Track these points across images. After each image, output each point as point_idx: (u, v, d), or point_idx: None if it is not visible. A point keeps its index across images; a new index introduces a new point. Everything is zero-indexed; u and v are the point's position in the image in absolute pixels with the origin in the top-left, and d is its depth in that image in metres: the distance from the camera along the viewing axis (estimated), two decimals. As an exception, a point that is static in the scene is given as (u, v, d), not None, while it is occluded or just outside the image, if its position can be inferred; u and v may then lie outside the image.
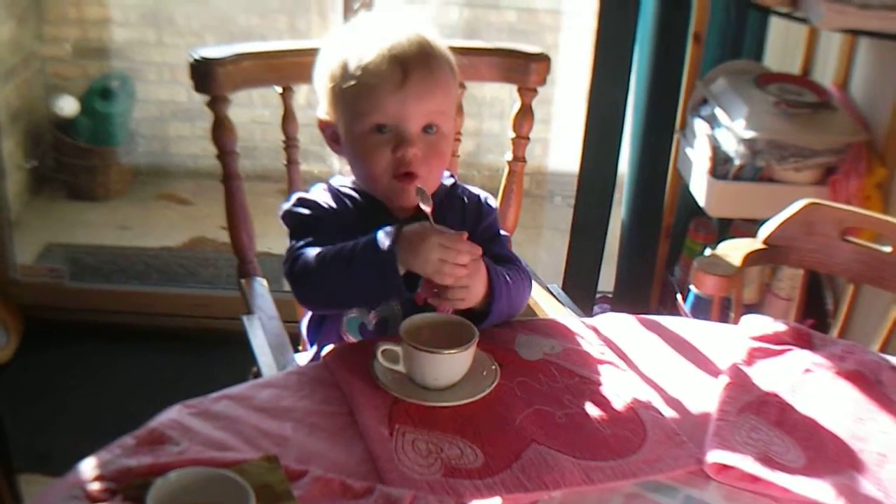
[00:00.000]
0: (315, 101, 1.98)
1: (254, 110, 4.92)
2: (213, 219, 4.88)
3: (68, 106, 4.99)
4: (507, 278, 1.86)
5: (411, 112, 1.86)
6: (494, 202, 2.08)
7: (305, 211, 1.95)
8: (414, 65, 1.85)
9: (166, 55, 5.27)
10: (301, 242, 1.87)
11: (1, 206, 3.91)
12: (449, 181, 2.04)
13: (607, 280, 3.95)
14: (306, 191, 2.02)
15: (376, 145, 1.88)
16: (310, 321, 2.10)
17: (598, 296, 3.91)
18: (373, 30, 1.90)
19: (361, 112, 1.87)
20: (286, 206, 1.98)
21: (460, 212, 2.01)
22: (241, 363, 2.20)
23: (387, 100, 1.85)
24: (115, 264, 4.45)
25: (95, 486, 1.38)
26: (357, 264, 1.76)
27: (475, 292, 1.78)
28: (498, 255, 1.96)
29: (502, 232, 2.06)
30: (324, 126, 1.99)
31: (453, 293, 1.75)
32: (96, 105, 4.99)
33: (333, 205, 1.97)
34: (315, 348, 2.05)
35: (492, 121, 5.20)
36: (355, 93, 1.87)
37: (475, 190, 2.07)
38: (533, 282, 1.99)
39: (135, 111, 5.26)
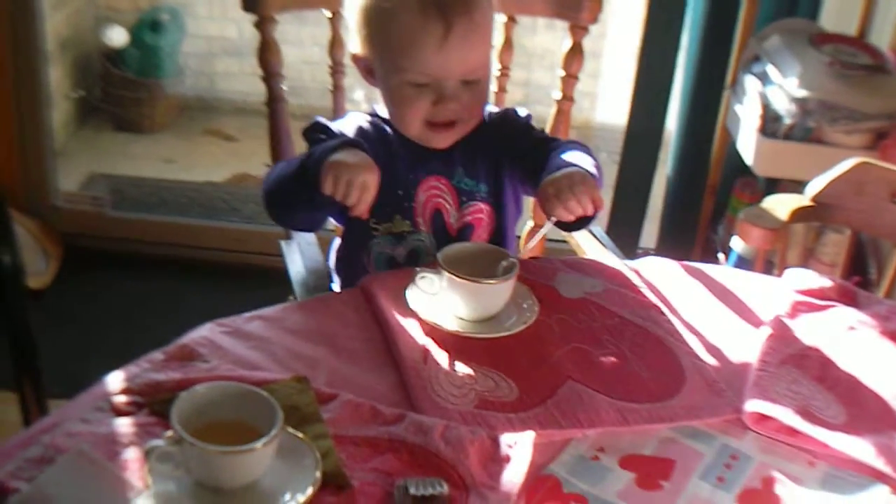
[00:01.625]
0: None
1: (303, 49, 4.89)
2: (258, 156, 4.86)
3: (118, 37, 4.98)
4: (585, 162, 1.80)
5: (451, 70, 1.83)
6: (521, 109, 2.04)
7: (319, 136, 1.92)
8: (455, 17, 1.79)
9: (217, -10, 5.26)
10: None
11: (46, 135, 3.90)
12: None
13: (649, 237, 3.92)
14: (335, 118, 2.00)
15: (414, 97, 1.85)
16: (337, 257, 2.08)
17: (639, 251, 3.88)
18: None
19: (399, 67, 1.84)
20: (308, 123, 1.96)
21: (489, 128, 1.97)
22: (280, 299, 2.18)
23: (427, 59, 1.81)
24: (158, 196, 4.45)
25: (122, 399, 1.38)
26: (295, 166, 1.77)
27: (597, 197, 1.71)
28: (542, 140, 1.93)
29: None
30: (359, 60, 1.95)
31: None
32: (146, 37, 4.99)
33: (352, 131, 1.95)
34: (339, 284, 2.04)
35: (541, 72, 5.16)
36: (392, 44, 1.83)
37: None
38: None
39: (184, 45, 5.25)
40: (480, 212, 1.95)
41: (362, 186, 1.67)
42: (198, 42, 5.35)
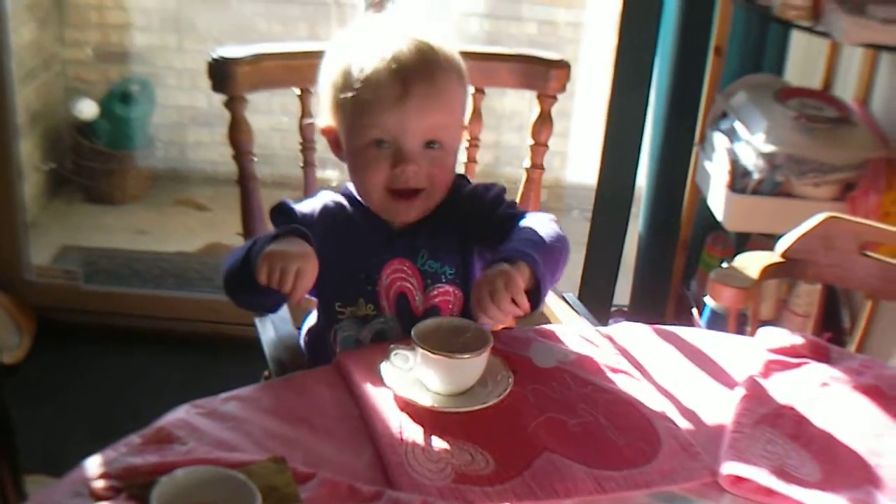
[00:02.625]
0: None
1: (272, 117, 4.91)
2: (230, 225, 4.83)
3: (88, 109, 4.99)
4: (535, 242, 1.80)
5: (411, 128, 1.84)
6: (491, 185, 2.03)
7: (279, 218, 1.94)
8: (415, 78, 1.82)
9: (186, 61, 5.27)
10: None
11: (17, 208, 3.90)
12: (458, 183, 2.00)
13: (623, 293, 3.93)
14: (300, 200, 2.02)
15: (374, 159, 1.86)
16: (306, 338, 2.09)
17: (613, 309, 3.89)
18: (375, 37, 1.88)
19: (360, 126, 1.86)
20: (272, 207, 1.97)
21: (456, 206, 1.97)
22: (254, 369, 2.19)
23: (386, 115, 1.83)
24: (131, 268, 4.44)
25: (100, 484, 1.38)
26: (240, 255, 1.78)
27: (527, 305, 1.70)
28: (508, 217, 1.92)
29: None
30: (326, 132, 1.97)
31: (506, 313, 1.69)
32: (116, 109, 5.00)
33: (317, 212, 1.97)
34: (308, 362, 2.04)
35: (511, 133, 5.18)
36: (354, 105, 1.85)
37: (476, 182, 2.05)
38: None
39: (154, 116, 5.26)
40: (447, 294, 1.95)
41: (297, 274, 1.68)
42: (168, 112, 5.35)
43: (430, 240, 1.93)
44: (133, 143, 5.11)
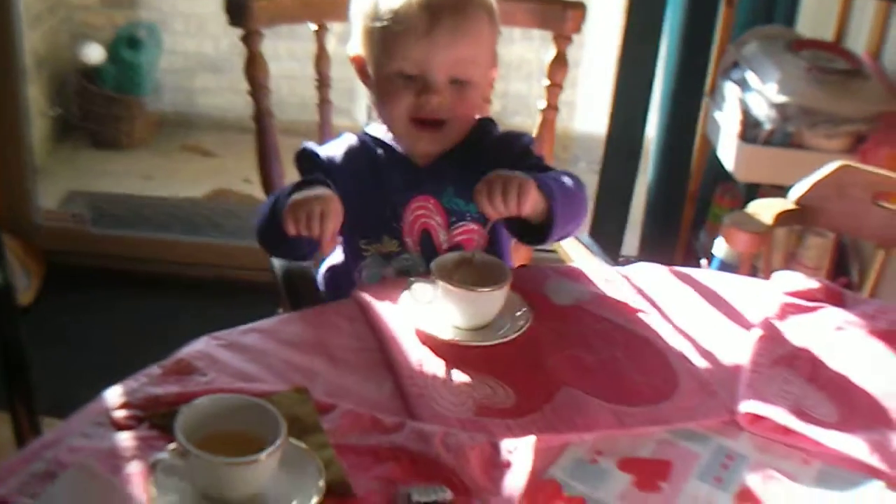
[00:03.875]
0: (349, 41, 1.97)
1: (280, 64, 4.87)
2: (237, 171, 4.86)
3: (94, 54, 4.98)
4: (561, 184, 1.82)
5: (437, 61, 1.84)
6: (524, 133, 2.05)
7: (302, 164, 1.97)
8: (444, 10, 1.83)
9: (194, 5, 5.24)
10: None
11: (25, 152, 3.90)
12: (484, 125, 2.02)
13: (631, 245, 3.93)
14: (324, 142, 2.03)
15: (399, 88, 1.88)
16: (326, 275, 2.09)
17: (621, 259, 3.89)
18: None
19: (387, 56, 1.86)
20: (296, 151, 1.99)
21: (485, 150, 1.97)
22: (262, 313, 2.18)
23: (412, 47, 1.83)
24: (138, 213, 4.44)
25: (121, 414, 1.39)
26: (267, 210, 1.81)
27: (527, 210, 1.71)
28: (535, 167, 1.91)
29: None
30: (355, 59, 1.98)
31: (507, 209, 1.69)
32: (123, 54, 4.97)
33: (341, 153, 1.98)
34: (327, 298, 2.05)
35: (518, 82, 5.17)
36: (382, 36, 1.86)
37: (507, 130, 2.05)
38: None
39: (161, 61, 5.23)
40: (471, 231, 1.95)
41: (322, 215, 1.70)
42: (175, 58, 5.34)
43: (456, 178, 1.93)
44: (140, 89, 5.08)
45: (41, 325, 3.48)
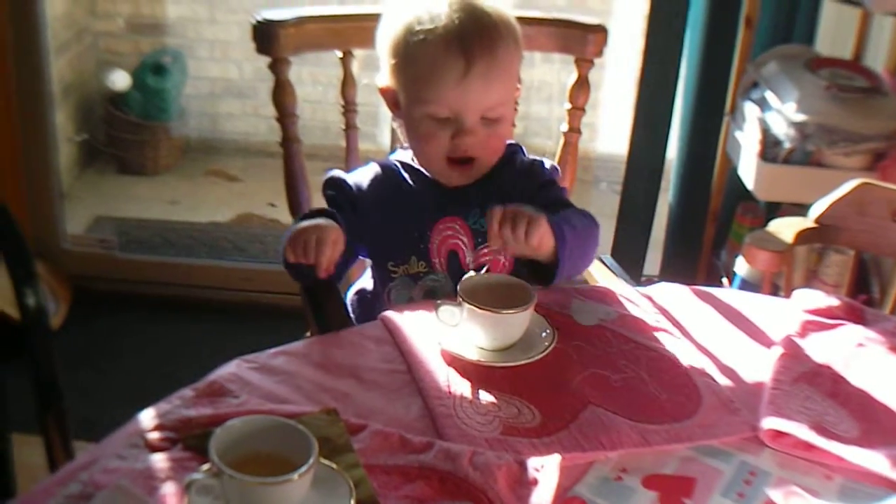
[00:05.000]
0: (374, 67, 2.00)
1: (304, 88, 4.92)
2: (261, 195, 4.91)
3: (120, 80, 5.03)
4: (572, 226, 1.86)
5: (471, 105, 1.87)
6: (550, 162, 2.08)
7: (330, 192, 2.02)
8: (476, 53, 1.84)
9: (218, 32, 5.30)
10: None
11: (52, 178, 3.94)
12: (511, 150, 2.04)
13: (653, 264, 3.95)
14: (350, 170, 2.07)
15: (434, 129, 1.90)
16: (354, 298, 2.13)
17: (643, 279, 3.91)
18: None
19: (420, 99, 1.89)
20: (323, 178, 2.04)
21: (512, 175, 2.01)
22: (286, 337, 2.20)
23: (446, 94, 1.86)
24: (164, 238, 4.49)
25: (155, 436, 1.41)
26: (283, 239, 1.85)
27: (535, 243, 1.75)
28: (555, 202, 1.96)
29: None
30: (385, 91, 2.00)
31: (515, 240, 1.73)
32: (148, 80, 5.03)
33: (368, 180, 2.02)
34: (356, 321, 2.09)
35: (539, 104, 5.19)
36: (415, 78, 1.89)
37: (533, 156, 2.08)
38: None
39: (186, 87, 5.29)
40: (496, 253, 1.98)
41: (317, 242, 1.76)
42: (200, 84, 5.40)
43: (482, 200, 1.95)
44: (165, 115, 5.14)
45: (68, 350, 3.51)
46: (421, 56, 1.86)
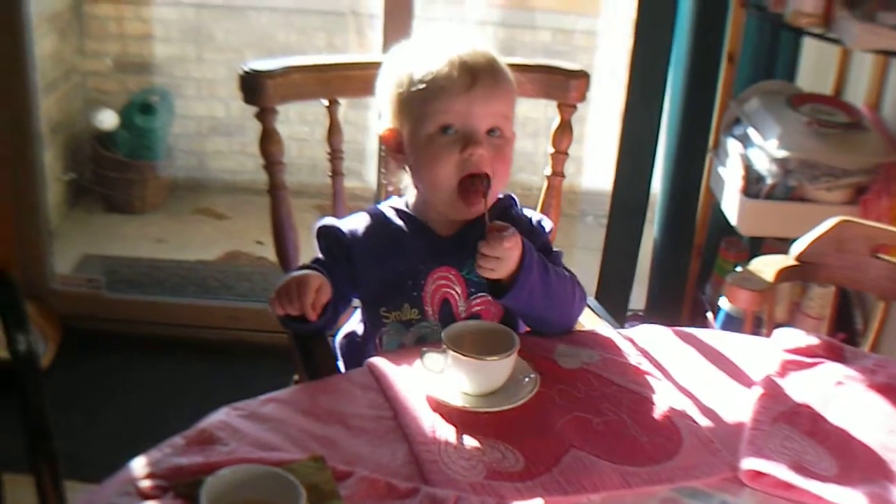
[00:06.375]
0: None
1: (291, 126, 4.97)
2: (249, 233, 4.92)
3: (108, 119, 5.04)
4: (548, 270, 1.92)
5: (478, 113, 1.91)
6: (549, 223, 2.11)
7: (324, 241, 2.05)
8: (481, 71, 1.91)
9: (205, 71, 5.34)
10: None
11: (41, 217, 3.95)
12: (506, 202, 2.08)
13: (638, 298, 3.97)
14: (340, 217, 2.11)
15: (443, 147, 1.92)
16: (342, 344, 2.15)
17: (629, 313, 3.94)
18: (439, 42, 1.96)
19: (428, 113, 1.92)
20: (315, 226, 2.06)
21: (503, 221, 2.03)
22: (274, 374, 2.22)
23: (454, 100, 1.90)
24: (152, 276, 4.49)
25: (147, 484, 1.43)
26: None
27: (504, 266, 1.84)
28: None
29: (556, 249, 2.09)
30: (387, 137, 2.03)
31: (486, 261, 1.83)
32: (136, 119, 5.04)
33: (362, 227, 2.05)
34: (344, 365, 2.11)
35: (525, 140, 5.21)
36: (423, 96, 1.92)
37: (530, 212, 2.11)
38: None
39: (173, 126, 5.31)
40: (488, 303, 2.00)
41: (298, 291, 1.82)
42: (187, 122, 5.41)
43: (476, 250, 1.95)
44: (152, 154, 5.15)
45: (57, 390, 3.52)
46: (430, 77, 1.91)
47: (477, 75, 1.90)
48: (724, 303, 2.77)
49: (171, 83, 5.32)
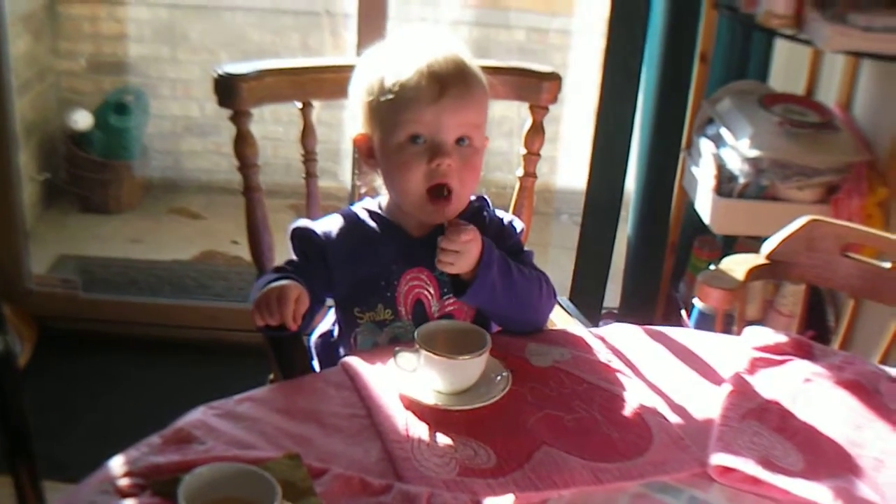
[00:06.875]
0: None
1: (265, 126, 4.97)
2: (224, 233, 4.92)
3: (82, 120, 5.02)
4: (510, 265, 1.95)
5: (447, 123, 1.90)
6: (520, 224, 2.12)
7: (298, 243, 2.05)
8: (451, 80, 1.90)
9: (180, 71, 5.33)
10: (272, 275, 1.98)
11: (16, 217, 3.95)
12: (478, 203, 2.09)
13: (612, 296, 3.99)
14: (314, 219, 2.11)
15: (412, 156, 1.92)
16: (317, 342, 2.17)
17: (603, 311, 3.95)
18: (410, 46, 1.96)
19: (398, 122, 1.91)
20: (290, 228, 2.07)
21: (477, 225, 2.02)
22: (251, 373, 2.23)
23: (423, 111, 1.89)
24: (127, 276, 4.49)
25: (125, 482, 1.44)
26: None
27: (463, 260, 1.88)
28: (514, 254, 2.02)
29: (526, 248, 2.11)
30: (359, 141, 2.03)
31: (445, 255, 1.86)
32: (110, 119, 5.04)
33: (336, 228, 2.05)
34: (318, 364, 2.13)
35: (500, 139, 5.22)
36: (392, 105, 1.91)
37: (501, 213, 2.12)
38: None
39: (148, 126, 5.30)
40: (461, 303, 2.01)
41: (278, 301, 1.82)
42: (161, 122, 5.41)
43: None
44: (127, 154, 5.15)
45: (33, 390, 3.52)
46: (398, 87, 1.90)
47: (446, 85, 1.89)
48: (697, 300, 2.79)
49: (146, 83, 5.31)
